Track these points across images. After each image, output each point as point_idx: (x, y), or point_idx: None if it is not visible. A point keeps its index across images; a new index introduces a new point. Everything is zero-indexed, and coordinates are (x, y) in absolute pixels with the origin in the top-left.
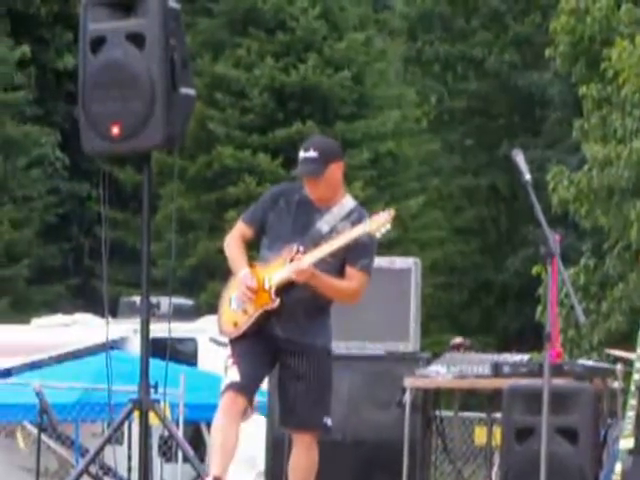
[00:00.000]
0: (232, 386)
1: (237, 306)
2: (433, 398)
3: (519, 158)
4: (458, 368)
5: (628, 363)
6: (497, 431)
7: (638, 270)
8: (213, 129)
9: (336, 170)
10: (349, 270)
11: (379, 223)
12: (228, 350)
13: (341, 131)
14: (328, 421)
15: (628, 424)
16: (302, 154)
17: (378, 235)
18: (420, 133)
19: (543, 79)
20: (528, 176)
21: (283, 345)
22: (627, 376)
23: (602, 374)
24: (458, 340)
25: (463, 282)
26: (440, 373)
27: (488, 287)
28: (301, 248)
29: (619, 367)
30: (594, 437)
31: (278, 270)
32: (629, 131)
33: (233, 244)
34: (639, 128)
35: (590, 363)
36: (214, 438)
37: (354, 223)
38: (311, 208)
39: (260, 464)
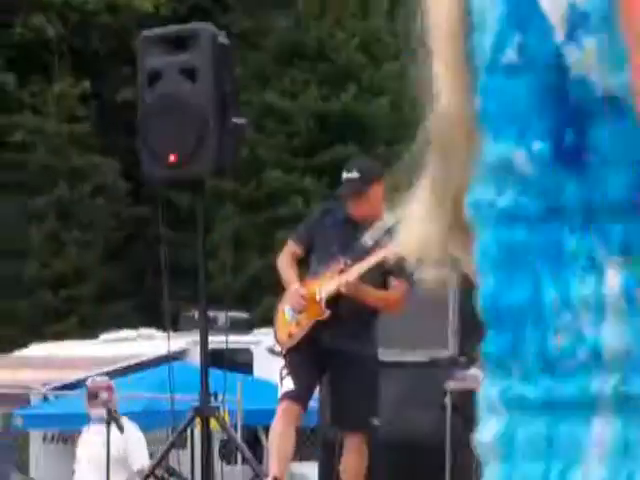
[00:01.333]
0: (288, 394)
1: (291, 318)
2: (472, 399)
3: None
4: None
5: None
6: None
7: None
8: (262, 154)
9: (377, 189)
10: (392, 281)
11: None
12: (282, 361)
13: (381, 153)
14: (375, 421)
15: None
16: (345, 175)
17: None
18: None
19: None
20: None
21: (334, 353)
22: None
23: None
24: None
25: None
26: (478, 375)
27: None
28: (348, 261)
29: None
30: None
31: (327, 283)
32: None
33: (284, 261)
34: None
35: None
36: (273, 442)
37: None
38: (355, 225)
39: (133, 463)
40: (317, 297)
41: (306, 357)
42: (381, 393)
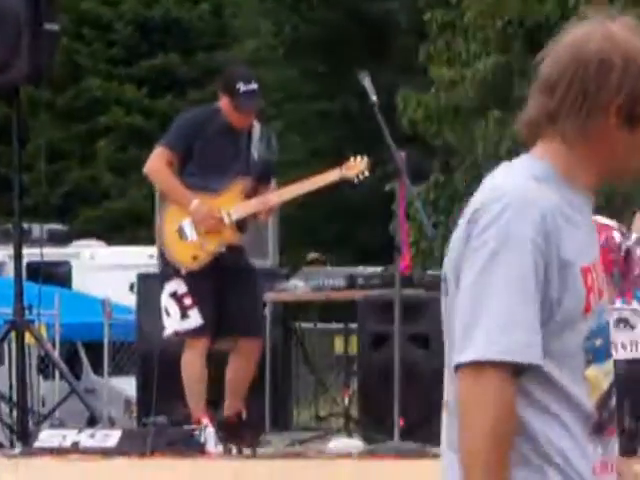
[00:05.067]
0: (199, 331)
1: (191, 237)
2: (293, 311)
3: (366, 81)
4: (315, 282)
5: None
6: (354, 340)
7: None
8: (80, 62)
9: None
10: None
11: (357, 170)
12: (174, 285)
13: (202, 61)
14: None
15: None
16: (246, 86)
17: (356, 180)
18: (277, 61)
19: (391, 6)
20: (374, 98)
21: (236, 271)
22: None
23: None
24: (314, 255)
25: (320, 201)
26: (298, 287)
27: (345, 205)
28: (248, 183)
29: None
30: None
31: (235, 205)
32: (472, 54)
33: (165, 172)
34: (482, 51)
35: (439, 273)
36: (193, 385)
37: (268, 144)
38: (235, 134)
39: None
40: (226, 220)
41: (211, 282)
42: None
